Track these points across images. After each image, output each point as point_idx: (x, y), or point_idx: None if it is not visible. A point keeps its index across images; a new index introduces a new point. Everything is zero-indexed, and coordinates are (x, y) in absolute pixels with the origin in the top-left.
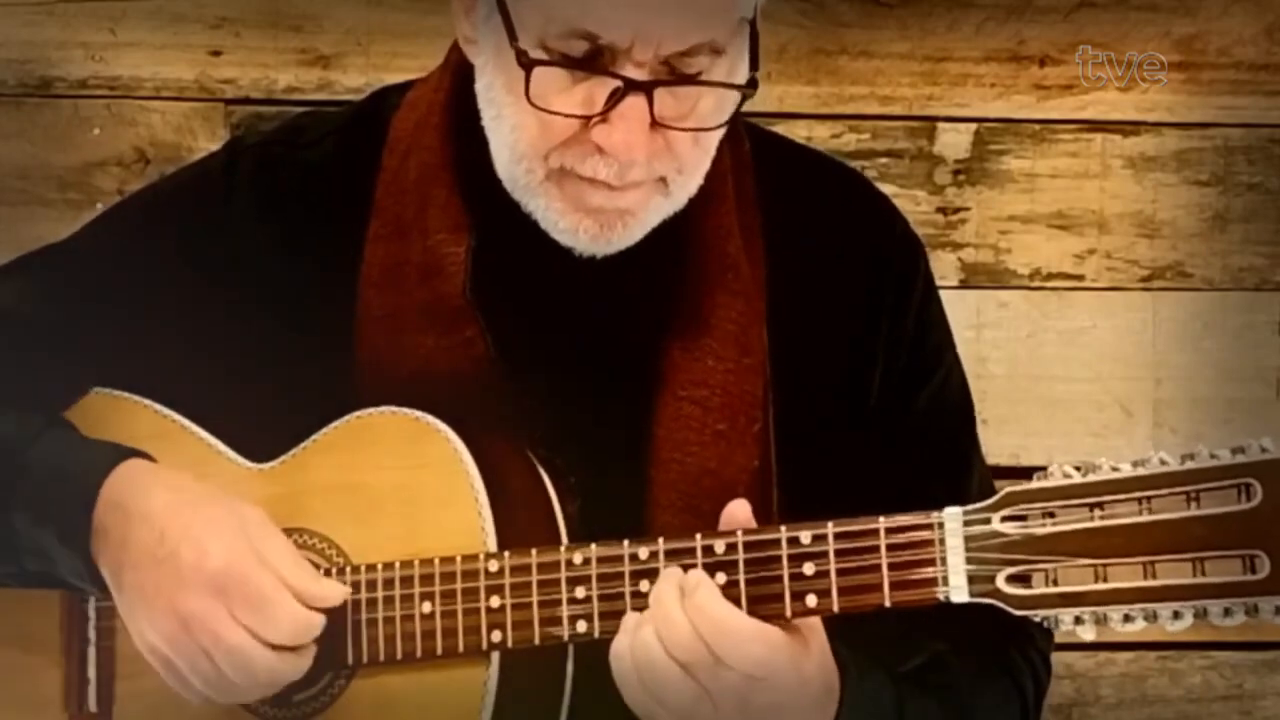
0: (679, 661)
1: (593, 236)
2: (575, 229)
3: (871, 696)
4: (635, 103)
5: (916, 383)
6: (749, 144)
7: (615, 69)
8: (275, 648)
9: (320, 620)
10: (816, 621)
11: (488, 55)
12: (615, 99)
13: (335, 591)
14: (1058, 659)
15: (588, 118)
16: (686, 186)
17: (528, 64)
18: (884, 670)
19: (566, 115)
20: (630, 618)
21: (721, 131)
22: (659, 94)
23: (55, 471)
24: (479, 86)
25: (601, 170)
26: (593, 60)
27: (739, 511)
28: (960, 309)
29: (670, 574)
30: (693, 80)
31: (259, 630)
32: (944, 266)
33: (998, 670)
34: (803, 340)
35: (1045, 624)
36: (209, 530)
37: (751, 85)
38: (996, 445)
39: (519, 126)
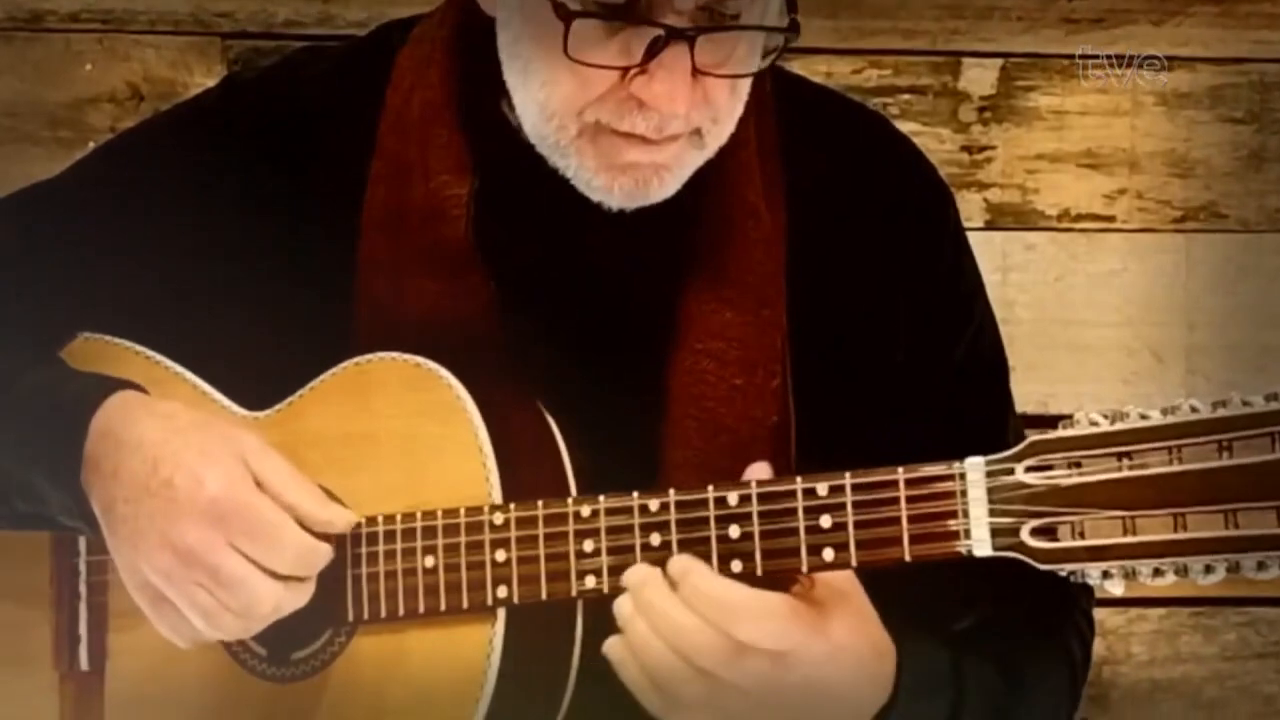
0: (699, 668)
1: (628, 194)
2: (610, 186)
3: (928, 661)
4: (677, 51)
5: (945, 336)
6: (770, 88)
7: (655, 17)
8: (279, 577)
9: (327, 548)
10: (851, 584)
11: (512, 8)
12: (655, 49)
13: (342, 516)
14: (1092, 609)
15: (626, 69)
16: (720, 137)
17: (566, 16)
18: (936, 634)
19: (605, 68)
20: (624, 606)
21: (752, 77)
22: (699, 41)
23: (44, 405)
24: (502, 40)
25: (640, 124)
26: (631, 8)
27: (761, 474)
28: (986, 251)
29: (644, 574)
30: (733, 25)
31: (262, 559)
32: (969, 207)
33: (1045, 632)
34: (824, 292)
35: (1072, 578)
36: (204, 457)
37: (793, 28)
38: (1023, 392)
39: (550, 82)
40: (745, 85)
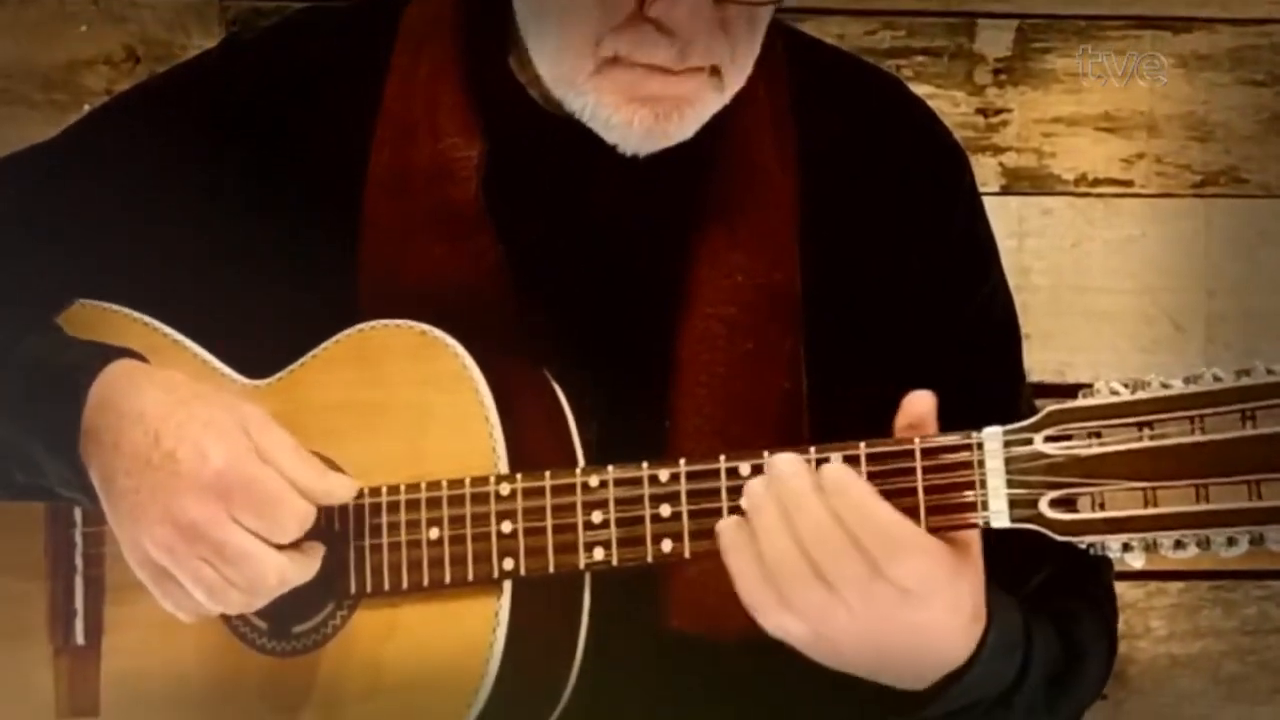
0: (824, 578)
1: (647, 129)
2: (630, 121)
3: (1009, 622)
4: None
5: (958, 302)
6: (781, 47)
7: None
8: (283, 549)
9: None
10: (975, 540)
11: None
12: None
13: (343, 487)
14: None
15: None
16: (737, 79)
17: None
18: (1009, 594)
19: None
20: (757, 488)
21: (770, 13)
22: None
23: (41, 373)
24: None
25: (660, 53)
26: None
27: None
28: (1001, 217)
29: (794, 465)
30: None
31: (265, 533)
32: (984, 172)
33: (1094, 599)
34: (837, 256)
35: (1091, 551)
36: (207, 430)
37: None
38: (1040, 361)
39: (568, 9)
40: (763, 23)
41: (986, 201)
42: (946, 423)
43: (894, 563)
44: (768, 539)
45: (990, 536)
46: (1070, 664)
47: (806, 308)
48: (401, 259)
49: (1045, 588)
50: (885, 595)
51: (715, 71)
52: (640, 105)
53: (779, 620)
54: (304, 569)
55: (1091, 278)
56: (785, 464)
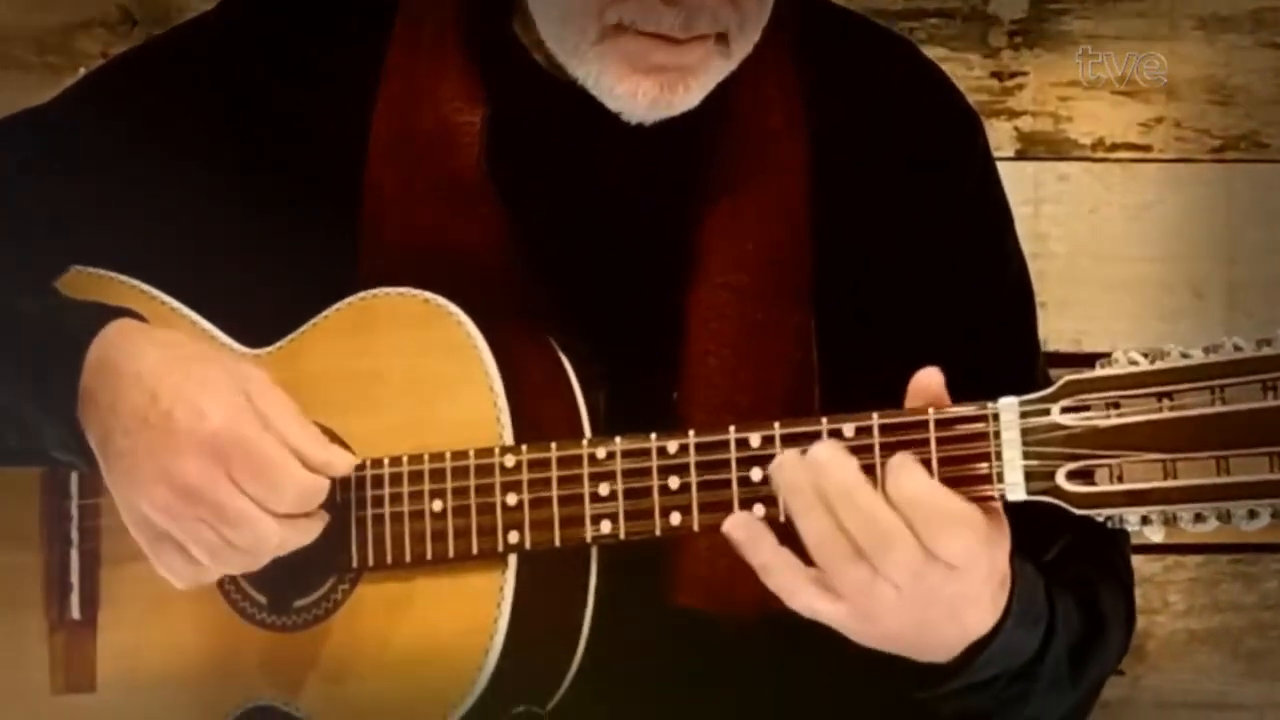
0: (866, 555)
1: (652, 100)
2: (634, 92)
3: (1031, 590)
4: None
5: (973, 270)
6: (791, 9)
7: None
8: (279, 516)
9: (326, 485)
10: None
11: None
12: None
13: (343, 459)
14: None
15: None
16: (745, 46)
17: None
18: (1031, 562)
19: None
20: (793, 471)
21: None
22: None
23: (37, 333)
24: None
25: (666, 21)
26: None
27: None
28: (1017, 182)
29: (832, 449)
30: None
31: (262, 497)
32: (999, 136)
33: (1108, 565)
34: (848, 224)
35: (1109, 524)
36: (206, 390)
37: None
38: (1056, 330)
39: None
40: None
41: (1001, 167)
42: (960, 393)
43: (942, 540)
44: (808, 523)
45: (1008, 504)
46: (1092, 634)
47: (817, 276)
48: (403, 226)
49: (1064, 556)
50: (934, 572)
51: (722, 38)
52: (645, 76)
53: (811, 602)
54: (306, 531)
55: (1109, 245)
56: (825, 451)
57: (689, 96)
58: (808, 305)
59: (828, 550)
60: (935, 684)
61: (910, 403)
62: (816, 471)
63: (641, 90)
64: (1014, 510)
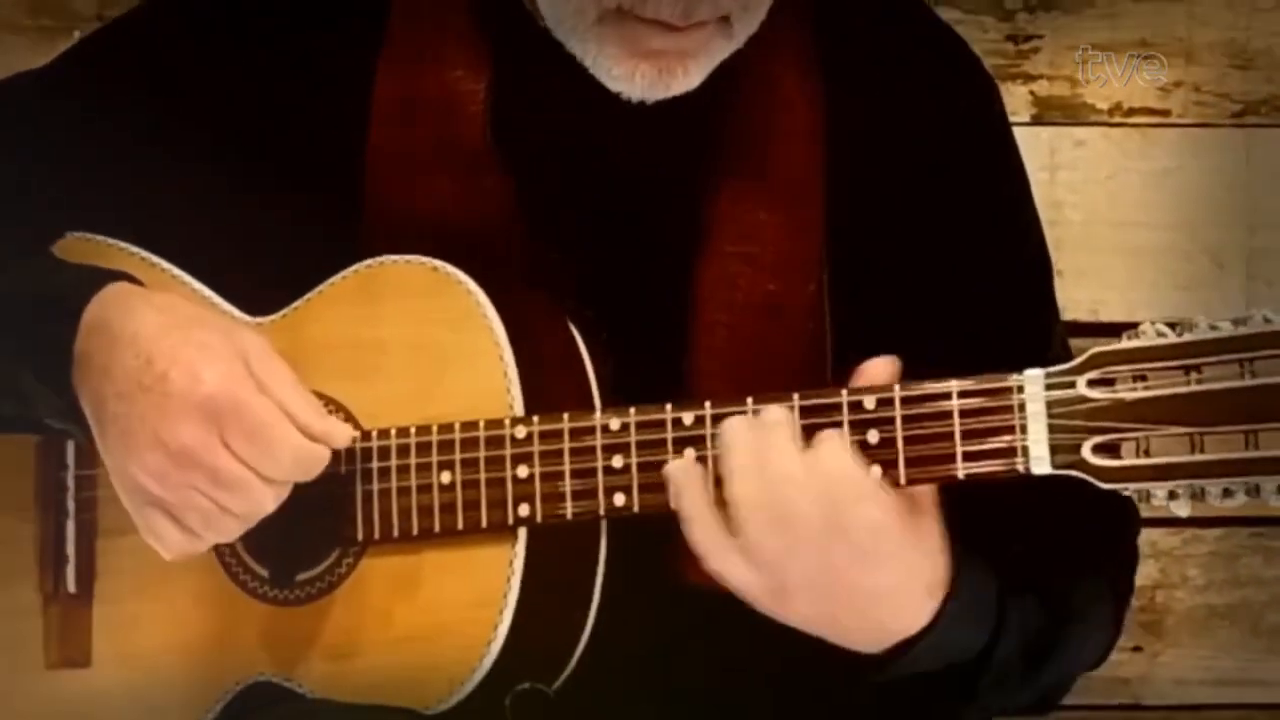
0: (782, 519)
1: (650, 83)
2: (631, 75)
3: (976, 595)
4: None
5: (988, 238)
6: None
7: None
8: (278, 482)
9: (325, 454)
10: (930, 498)
11: None
12: None
13: (341, 431)
14: (1140, 536)
15: None
16: (750, 25)
17: None
18: (985, 560)
19: None
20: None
21: None
22: None
23: (31, 297)
24: None
25: (665, 9)
26: None
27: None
28: (1033, 148)
29: (780, 412)
30: None
31: (256, 464)
32: (1014, 101)
33: (1091, 563)
34: (864, 193)
35: (1136, 498)
36: (201, 353)
37: None
38: (1073, 299)
39: None
40: None
41: (1017, 132)
42: (978, 364)
43: (849, 511)
44: (738, 484)
45: (975, 503)
46: (1054, 633)
47: (831, 246)
48: (408, 193)
49: (1031, 554)
50: (840, 552)
51: (724, 19)
52: (642, 60)
53: (726, 565)
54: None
55: (1127, 212)
56: (776, 412)
57: (688, 79)
58: (820, 275)
59: (748, 514)
60: (871, 671)
61: (854, 384)
62: (758, 428)
63: (639, 73)
64: (977, 508)
